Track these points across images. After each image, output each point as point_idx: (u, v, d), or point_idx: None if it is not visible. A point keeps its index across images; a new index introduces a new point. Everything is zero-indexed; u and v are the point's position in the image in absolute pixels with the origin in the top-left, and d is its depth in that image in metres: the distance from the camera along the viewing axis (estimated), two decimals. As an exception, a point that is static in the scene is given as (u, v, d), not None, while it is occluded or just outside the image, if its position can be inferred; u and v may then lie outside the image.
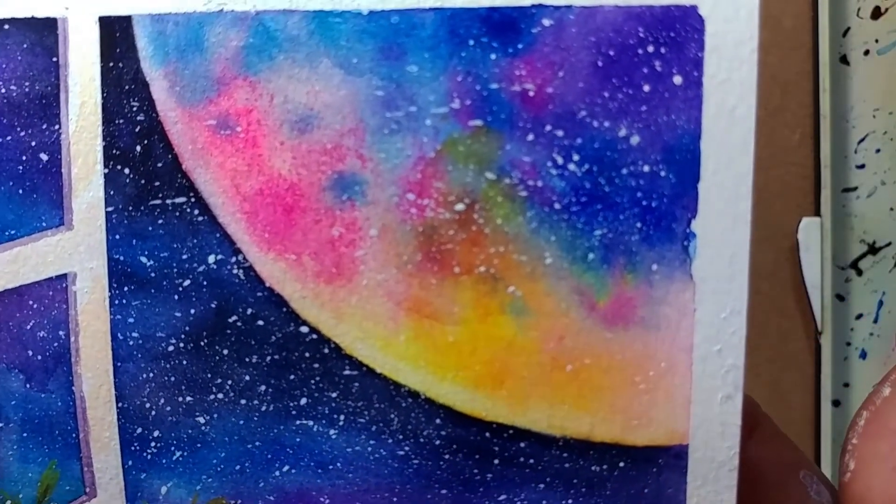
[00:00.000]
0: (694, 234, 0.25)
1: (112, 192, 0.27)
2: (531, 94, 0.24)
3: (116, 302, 0.28)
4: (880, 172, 0.54)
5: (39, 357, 0.29)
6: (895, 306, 0.54)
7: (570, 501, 0.26)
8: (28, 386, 0.29)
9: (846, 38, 0.52)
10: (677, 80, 0.24)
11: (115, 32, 0.26)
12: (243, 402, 0.28)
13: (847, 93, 0.55)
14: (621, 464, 0.26)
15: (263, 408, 0.28)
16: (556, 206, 0.25)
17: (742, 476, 0.25)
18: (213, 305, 0.27)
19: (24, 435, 0.29)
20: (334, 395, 0.27)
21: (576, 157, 0.24)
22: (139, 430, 0.28)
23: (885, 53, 0.53)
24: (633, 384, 0.25)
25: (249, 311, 0.27)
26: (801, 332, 0.57)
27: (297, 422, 0.28)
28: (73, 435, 0.29)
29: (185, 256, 0.27)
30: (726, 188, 0.24)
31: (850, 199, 0.53)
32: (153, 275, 0.27)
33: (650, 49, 0.24)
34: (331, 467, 0.27)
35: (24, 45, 0.27)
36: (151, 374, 0.28)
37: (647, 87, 0.24)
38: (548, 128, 0.24)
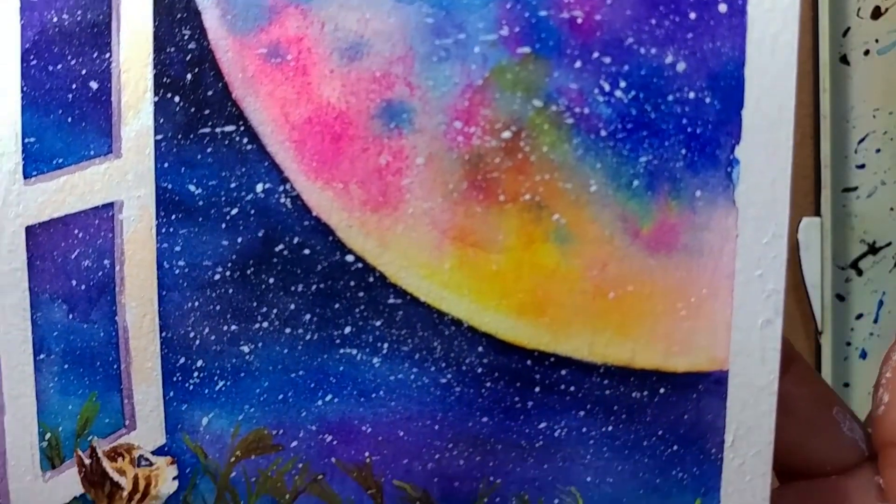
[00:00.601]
0: (737, 161, 0.27)
1: (161, 121, 0.30)
2: (579, 21, 0.27)
3: (163, 230, 0.30)
4: (880, 172, 0.57)
5: (83, 287, 0.31)
6: (895, 306, 0.57)
7: (609, 428, 0.29)
8: (71, 316, 0.31)
9: (846, 38, 0.55)
10: (722, 7, 0.26)
11: (165, -37, 0.29)
12: (288, 330, 0.30)
13: (847, 93, 0.57)
14: (662, 390, 0.28)
15: (308, 336, 0.30)
16: (602, 133, 0.27)
17: (777, 411, 0.28)
18: (259, 234, 0.30)
19: (66, 367, 0.32)
20: (378, 323, 0.30)
21: (622, 84, 0.27)
22: (182, 361, 0.31)
23: (885, 53, 0.56)
24: (675, 311, 0.28)
25: (296, 239, 0.30)
26: (801, 332, 0.60)
27: (341, 350, 0.30)
28: (115, 366, 0.31)
29: (233, 185, 0.30)
30: (769, 114, 0.26)
31: (850, 199, 0.56)
32: (201, 203, 0.30)
33: (695, -20, 0.26)
34: (373, 396, 0.30)
35: (74, -24, 0.29)
36: (196, 304, 0.30)
37: (692, 15, 0.26)
38: (595, 55, 0.27)
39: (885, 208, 0.56)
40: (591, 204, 0.27)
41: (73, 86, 0.29)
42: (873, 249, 0.54)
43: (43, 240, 0.30)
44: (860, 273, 0.55)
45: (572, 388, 0.28)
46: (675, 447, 0.27)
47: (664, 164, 0.27)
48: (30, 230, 0.30)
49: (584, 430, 0.28)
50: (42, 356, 0.31)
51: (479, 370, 0.28)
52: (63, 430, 0.32)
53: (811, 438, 0.29)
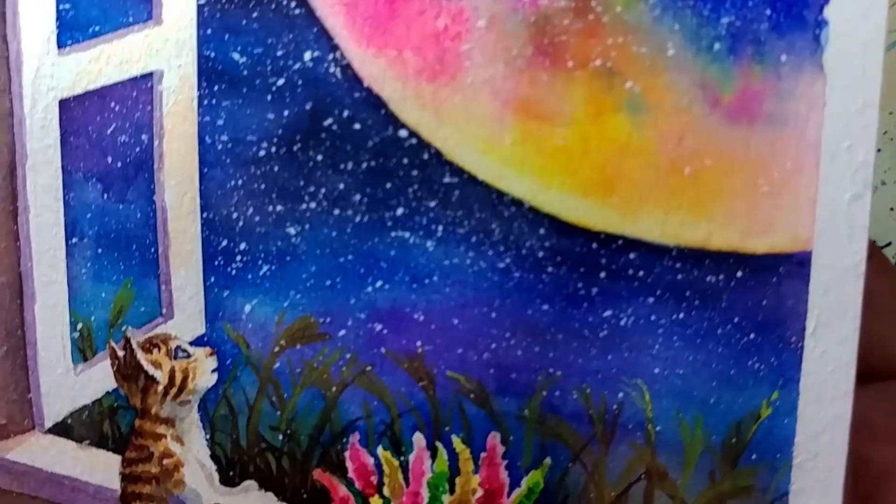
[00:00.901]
0: (826, 22, 0.26)
1: (204, -17, 0.29)
2: None
3: (205, 102, 0.30)
4: (880, 172, 0.56)
5: (119, 164, 0.31)
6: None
7: (681, 315, 0.28)
8: (106, 196, 0.31)
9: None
10: None
11: None
12: (336, 212, 0.30)
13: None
14: (739, 273, 0.27)
15: (357, 218, 0.30)
16: (682, -9, 0.27)
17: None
18: (307, 107, 0.29)
19: (99, 251, 0.31)
20: (433, 204, 0.29)
21: (705, -63, 0.26)
22: (224, 243, 0.30)
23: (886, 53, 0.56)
24: (756, 187, 0.27)
25: (346, 113, 0.29)
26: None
27: (393, 233, 0.30)
28: (152, 249, 0.31)
29: (279, 53, 0.29)
30: (865, -31, 0.25)
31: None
32: (245, 73, 0.29)
33: None
34: (426, 281, 0.29)
35: None
36: (240, 182, 0.30)
37: None
38: None
39: (885, 208, 0.56)
40: (667, 70, 0.26)
41: (111, -55, 0.28)
42: (875, 248, 0.54)
43: (77, 114, 0.30)
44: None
45: (641, 273, 0.27)
46: (752, 335, 0.27)
47: (748, 26, 0.26)
48: (63, 104, 0.30)
49: (653, 317, 0.27)
50: (75, 240, 0.30)
51: (541, 254, 0.28)
52: (96, 319, 0.31)
53: (894, 335, 0.29)
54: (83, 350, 0.31)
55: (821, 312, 0.26)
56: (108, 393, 0.32)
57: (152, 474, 0.33)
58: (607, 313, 0.28)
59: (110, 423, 0.32)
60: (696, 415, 0.28)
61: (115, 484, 0.32)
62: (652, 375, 0.28)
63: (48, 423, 0.32)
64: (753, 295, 0.27)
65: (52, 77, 0.29)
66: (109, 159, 0.29)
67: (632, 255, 0.27)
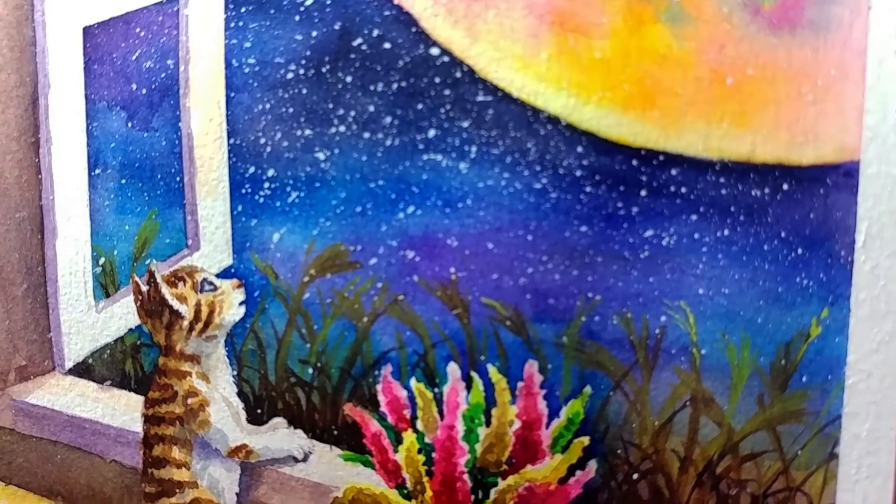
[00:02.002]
0: None
1: None
2: None
3: (232, 25, 0.31)
4: None
5: (144, 91, 0.32)
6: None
7: (726, 232, 0.29)
8: (130, 125, 0.33)
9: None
10: None
11: None
12: (367, 135, 0.31)
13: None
14: (785, 186, 0.29)
15: (388, 142, 0.31)
16: None
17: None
18: (336, 27, 0.31)
19: (123, 182, 0.33)
20: (466, 124, 0.31)
21: None
22: (252, 170, 0.32)
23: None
24: (800, 96, 0.28)
25: (376, 32, 0.31)
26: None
27: (425, 156, 0.31)
28: (178, 178, 0.33)
29: None
30: None
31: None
32: None
33: None
34: (460, 205, 0.31)
35: None
36: (268, 106, 0.32)
37: None
38: None
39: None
40: (707, -24, 0.28)
41: None
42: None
43: (101, 41, 0.31)
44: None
45: (684, 190, 0.29)
46: (800, 250, 0.28)
47: (791, -72, 0.27)
48: (87, 31, 0.31)
49: (697, 235, 0.29)
50: (98, 171, 0.32)
51: (579, 173, 0.29)
52: (119, 253, 0.33)
53: None
54: (105, 286, 0.33)
55: (870, 224, 0.28)
56: (130, 330, 0.33)
57: (176, 415, 0.35)
58: (648, 233, 0.29)
59: (133, 362, 0.33)
60: (743, 336, 0.29)
61: (137, 426, 0.34)
62: (696, 296, 0.30)
63: (69, 364, 0.34)
64: (800, 208, 0.28)
65: (76, 4, 0.30)
66: (134, 86, 0.31)
67: (673, 172, 0.29)
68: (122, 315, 0.36)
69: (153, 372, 0.35)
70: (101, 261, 0.35)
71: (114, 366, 0.36)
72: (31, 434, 0.37)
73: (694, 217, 0.31)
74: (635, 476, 0.34)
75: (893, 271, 0.30)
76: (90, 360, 0.36)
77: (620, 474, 0.34)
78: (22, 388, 0.37)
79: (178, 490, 0.38)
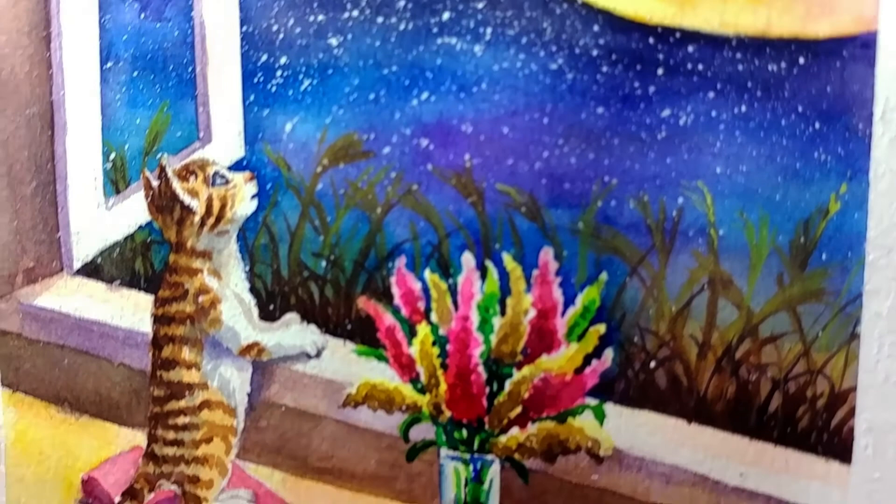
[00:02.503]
0: None
1: None
2: None
3: None
4: None
5: None
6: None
7: (743, 108, 0.30)
8: (143, 16, 0.33)
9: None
10: None
11: None
12: (380, 20, 0.32)
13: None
14: (801, 60, 0.30)
15: (402, 26, 0.32)
16: None
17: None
18: None
19: (135, 74, 0.34)
20: (480, 5, 0.31)
21: None
22: (264, 58, 0.33)
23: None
24: None
25: None
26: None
27: (439, 40, 0.32)
28: (189, 69, 0.34)
29: None
30: None
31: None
32: None
33: None
34: (475, 90, 0.32)
35: None
36: None
37: None
38: None
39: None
40: None
41: None
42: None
43: (112, -70, 0.32)
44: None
45: (700, 67, 0.30)
46: (818, 124, 0.29)
47: None
48: (98, -79, 0.32)
49: (714, 113, 0.30)
50: (109, 64, 0.33)
51: (595, 53, 0.30)
52: (130, 148, 0.34)
53: None
54: (116, 182, 0.34)
55: (889, 96, 0.29)
56: (141, 227, 0.34)
57: (187, 314, 0.35)
58: (665, 113, 0.30)
59: (143, 261, 0.34)
60: (762, 214, 0.30)
61: (146, 327, 0.35)
62: (714, 176, 0.30)
63: (77, 265, 0.35)
64: (817, 82, 0.29)
65: None
66: None
67: (690, 49, 0.30)
68: (133, 212, 0.36)
69: (163, 270, 0.36)
70: (112, 156, 0.36)
71: (123, 265, 0.36)
72: (39, 339, 0.38)
73: (711, 94, 0.32)
74: (652, 364, 0.34)
75: None
76: (99, 260, 0.36)
77: (637, 363, 0.34)
78: (29, 290, 0.38)
79: (187, 392, 0.39)
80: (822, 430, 0.34)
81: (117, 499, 0.39)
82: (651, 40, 0.33)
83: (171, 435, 0.39)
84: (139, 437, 0.39)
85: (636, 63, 0.34)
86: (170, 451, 0.39)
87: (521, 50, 0.34)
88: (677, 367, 0.35)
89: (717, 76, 0.33)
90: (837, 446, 0.34)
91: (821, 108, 0.32)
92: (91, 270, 0.38)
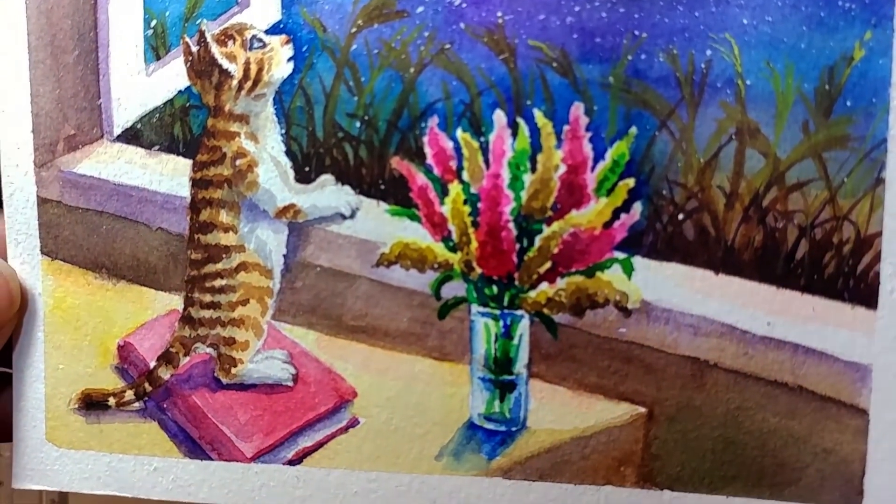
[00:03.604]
0: None
1: None
2: None
3: None
4: None
5: None
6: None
7: None
8: None
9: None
10: None
11: None
12: None
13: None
14: None
15: None
16: None
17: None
18: None
19: None
20: None
21: None
22: None
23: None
24: None
25: None
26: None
27: None
28: None
29: None
30: None
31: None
32: None
33: None
34: None
35: None
36: None
37: None
38: None
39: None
40: None
41: None
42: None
43: None
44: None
45: None
46: None
47: None
48: None
49: None
50: None
51: None
52: (170, 14, 0.37)
53: None
54: (156, 48, 0.36)
55: None
56: (180, 92, 0.37)
57: (224, 177, 0.38)
58: None
59: (181, 125, 0.37)
60: (787, 63, 0.33)
61: (184, 191, 0.38)
62: (740, 27, 0.33)
63: (117, 130, 0.37)
64: None
65: None
66: None
67: None
68: (172, 77, 0.39)
69: (201, 134, 0.38)
70: (153, 23, 0.38)
71: (162, 130, 0.39)
72: (78, 206, 0.41)
73: None
74: (680, 216, 0.36)
75: None
76: (139, 126, 0.39)
77: (665, 215, 0.36)
78: (70, 157, 0.40)
79: (224, 255, 0.41)
80: (849, 275, 0.36)
81: (153, 363, 0.42)
82: None
83: (207, 298, 0.42)
84: (175, 301, 0.42)
85: None
86: (206, 313, 0.42)
87: None
88: (705, 218, 0.37)
89: None
90: (864, 291, 0.36)
91: None
92: (130, 136, 0.40)
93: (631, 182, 0.38)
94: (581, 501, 0.40)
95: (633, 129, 0.38)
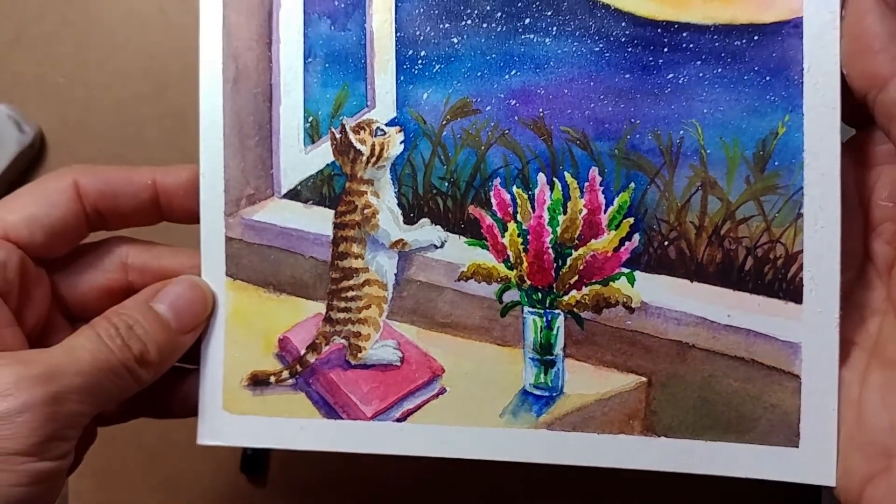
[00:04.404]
0: None
1: None
2: None
3: None
4: None
5: (342, 4, 0.52)
6: None
7: (719, 70, 0.47)
8: (332, 28, 0.52)
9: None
10: None
11: None
12: (485, 25, 0.50)
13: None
14: (756, 37, 0.47)
15: (498, 28, 0.50)
16: None
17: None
18: None
19: (326, 66, 0.53)
20: (549, 13, 0.50)
21: None
22: (410, 52, 0.51)
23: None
24: None
25: None
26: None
27: (522, 36, 0.50)
28: (362, 61, 0.52)
29: None
30: None
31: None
32: None
33: None
34: (545, 67, 0.49)
35: None
36: (422, 10, 0.51)
37: None
38: None
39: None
40: None
41: None
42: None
43: (316, -25, 0.52)
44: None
45: (691, 45, 0.47)
46: (768, 77, 0.46)
47: None
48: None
49: (701, 74, 0.47)
50: (310, 59, 0.52)
51: (623, 39, 0.48)
52: (321, 113, 0.53)
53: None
54: (312, 135, 0.52)
55: (812, 57, 0.46)
56: (327, 165, 0.52)
57: (356, 221, 0.53)
58: (670, 76, 0.47)
59: (328, 187, 0.52)
60: (734, 137, 0.47)
61: (328, 231, 0.53)
62: (702, 115, 0.47)
63: (283, 191, 0.53)
64: (767, 51, 0.47)
65: (301, -47, 0.51)
66: (336, 2, 0.51)
67: (684, 34, 0.48)
68: (322, 154, 0.55)
69: (341, 193, 0.54)
70: (310, 119, 0.54)
71: (315, 190, 0.54)
72: (254, 242, 0.56)
73: (699, 62, 0.48)
74: (666, 243, 0.50)
75: (829, 85, 0.46)
76: (299, 187, 0.54)
77: (656, 242, 0.50)
78: (249, 209, 0.56)
79: (354, 275, 0.56)
80: (782, 280, 0.49)
81: (303, 350, 0.57)
82: (659, 30, 0.51)
83: (342, 304, 0.57)
84: (320, 307, 0.57)
85: (650, 45, 0.51)
86: (341, 315, 0.57)
87: (575, 40, 0.52)
88: (682, 243, 0.51)
89: (702, 51, 0.50)
90: (793, 291, 0.50)
91: (770, 67, 0.49)
92: (293, 195, 0.56)
93: (631, 220, 0.53)
94: (602, 446, 0.53)
95: (632, 185, 0.52)
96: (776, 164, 0.50)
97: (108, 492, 0.83)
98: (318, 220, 0.59)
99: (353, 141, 0.58)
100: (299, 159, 0.60)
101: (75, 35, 0.84)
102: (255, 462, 0.81)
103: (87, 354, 0.54)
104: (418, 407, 0.55)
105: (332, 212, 0.59)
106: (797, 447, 0.51)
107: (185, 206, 0.58)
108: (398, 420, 0.56)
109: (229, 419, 0.59)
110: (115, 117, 0.83)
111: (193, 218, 0.59)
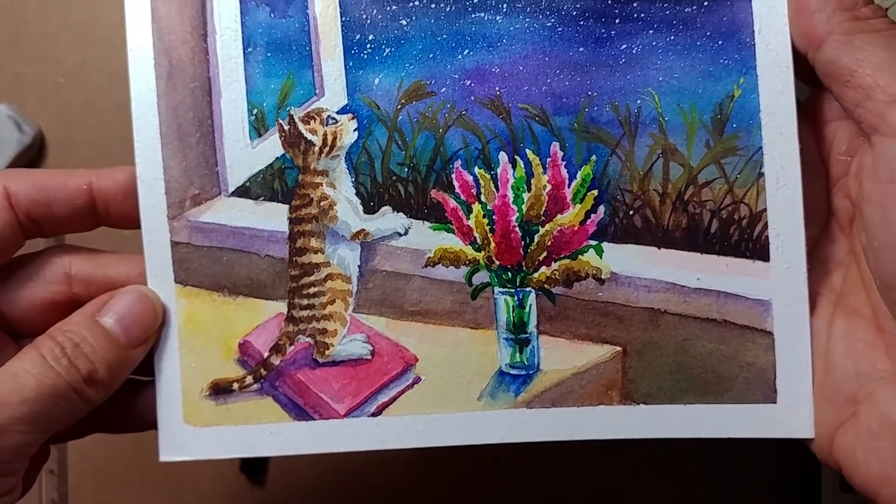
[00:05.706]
0: None
1: None
2: None
3: None
4: None
5: None
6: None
7: (672, 37, 0.46)
8: (272, 15, 0.49)
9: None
10: None
11: None
12: (433, 5, 0.48)
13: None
14: (706, 3, 0.46)
15: (448, 8, 0.49)
16: None
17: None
18: None
19: (268, 55, 0.50)
20: None
21: None
22: (358, 37, 0.49)
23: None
24: None
25: None
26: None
27: (473, 15, 0.48)
28: (307, 48, 0.49)
29: None
30: None
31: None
32: None
33: None
34: (498, 44, 0.48)
35: None
36: None
37: None
38: None
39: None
40: None
41: None
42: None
43: (250, -38, 0.48)
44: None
45: (643, 15, 0.47)
46: (720, 42, 0.46)
47: None
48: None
49: (654, 43, 0.46)
50: (250, 49, 0.48)
51: (574, 13, 0.47)
52: (267, 104, 0.50)
53: None
54: (258, 129, 0.50)
55: (762, 20, 0.46)
56: (277, 158, 0.49)
57: (312, 215, 0.50)
58: (623, 46, 0.47)
59: (279, 181, 0.49)
60: (691, 103, 0.47)
61: (283, 227, 0.50)
62: (658, 83, 0.47)
63: (231, 189, 0.49)
64: (717, 16, 0.47)
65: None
66: None
67: (635, 4, 0.48)
68: (271, 148, 0.51)
69: (294, 186, 0.51)
70: (255, 111, 0.51)
71: (265, 185, 0.51)
72: (203, 244, 0.52)
73: (651, 31, 0.48)
74: (631, 212, 0.50)
75: (781, 44, 0.47)
76: (248, 184, 0.51)
77: (621, 212, 0.50)
78: (195, 210, 0.52)
79: (315, 270, 0.53)
80: (748, 240, 0.50)
81: (266, 353, 0.53)
82: (610, 1, 0.50)
83: (304, 301, 0.54)
84: (281, 307, 0.54)
85: (601, 17, 0.50)
86: (304, 313, 0.54)
87: (527, 16, 0.51)
88: (647, 212, 0.50)
89: (653, 20, 0.50)
90: (759, 250, 0.50)
91: (721, 32, 0.49)
92: (242, 192, 0.52)
93: (595, 192, 0.52)
94: (583, 419, 0.52)
95: (594, 157, 0.51)
96: (734, 126, 0.51)
97: (108, 492, 0.80)
98: (272, 217, 0.56)
99: (304, 131, 0.55)
100: (246, 154, 0.56)
101: (75, 35, 0.82)
102: (255, 462, 0.80)
103: (31, 380, 0.49)
104: (393, 399, 0.53)
105: (286, 207, 0.55)
106: (775, 402, 0.51)
107: (122, 211, 0.54)
108: (373, 415, 0.54)
109: (192, 432, 0.55)
110: (115, 117, 0.80)
111: (133, 222, 0.55)
